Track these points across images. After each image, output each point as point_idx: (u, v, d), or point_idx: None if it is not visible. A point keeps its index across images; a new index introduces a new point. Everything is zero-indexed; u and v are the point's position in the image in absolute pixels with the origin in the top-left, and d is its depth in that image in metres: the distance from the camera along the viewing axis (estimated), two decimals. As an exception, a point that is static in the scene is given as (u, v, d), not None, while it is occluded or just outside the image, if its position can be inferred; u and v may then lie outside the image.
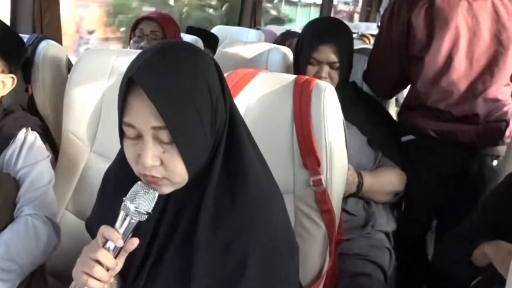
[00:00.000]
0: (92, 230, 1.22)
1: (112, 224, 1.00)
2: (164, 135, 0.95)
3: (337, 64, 1.90)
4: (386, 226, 2.01)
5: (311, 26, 2.03)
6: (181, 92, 0.94)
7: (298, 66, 1.99)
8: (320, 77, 1.87)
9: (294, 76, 1.57)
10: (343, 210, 1.83)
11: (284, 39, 3.32)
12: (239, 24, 4.28)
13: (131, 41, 2.41)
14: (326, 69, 1.90)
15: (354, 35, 4.60)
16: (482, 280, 1.41)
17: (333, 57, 1.89)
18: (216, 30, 3.71)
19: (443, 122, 1.98)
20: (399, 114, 2.18)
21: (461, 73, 1.94)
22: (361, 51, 2.90)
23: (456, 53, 1.93)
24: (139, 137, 0.97)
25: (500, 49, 1.92)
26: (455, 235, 1.57)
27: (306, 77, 1.56)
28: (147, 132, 0.95)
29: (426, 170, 2.02)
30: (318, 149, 1.46)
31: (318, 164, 1.46)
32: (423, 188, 2.03)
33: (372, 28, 6.42)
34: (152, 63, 0.94)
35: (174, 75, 0.94)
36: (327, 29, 1.95)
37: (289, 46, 2.75)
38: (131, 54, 1.71)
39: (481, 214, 1.54)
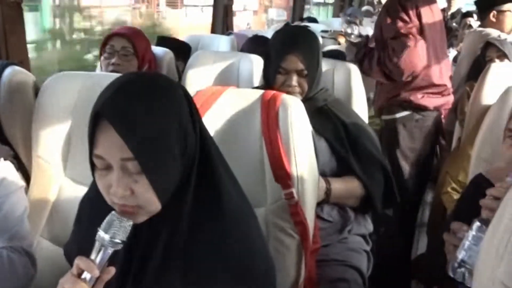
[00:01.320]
0: (70, 259, 1.23)
1: (88, 254, 1.02)
2: (134, 166, 0.97)
3: (305, 72, 1.92)
4: (363, 229, 2.05)
5: (277, 35, 2.06)
6: (148, 123, 0.97)
7: (268, 75, 2.01)
8: (289, 86, 1.91)
9: (261, 91, 1.60)
10: (319, 217, 1.87)
11: (252, 43, 3.33)
12: (212, 31, 4.29)
13: (102, 58, 2.39)
14: (294, 77, 1.92)
15: (326, 34, 4.60)
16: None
17: (301, 66, 1.92)
18: (188, 38, 3.72)
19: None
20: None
21: None
22: (333, 54, 2.95)
23: None
24: (109, 168, 1.00)
25: None
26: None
27: (273, 92, 1.59)
28: (116, 163, 0.98)
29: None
30: (288, 163, 1.49)
31: (289, 177, 1.49)
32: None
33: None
34: (118, 97, 0.97)
35: (140, 108, 0.97)
36: (294, 38, 1.99)
37: None
38: (99, 77, 1.74)
39: (451, 220, 1.57)
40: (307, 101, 1.91)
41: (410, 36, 2.62)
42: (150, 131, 0.97)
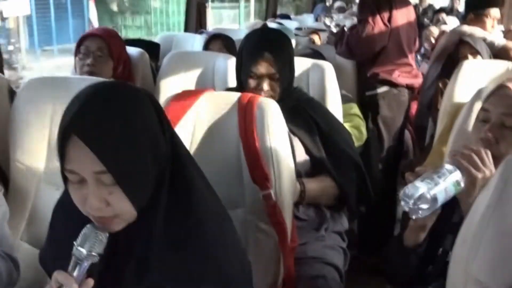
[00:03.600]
0: (46, 266, 1.26)
1: (64, 263, 1.05)
2: (107, 178, 0.99)
3: (277, 75, 1.95)
4: (339, 226, 2.11)
5: (248, 39, 2.07)
6: (118, 135, 0.98)
7: (240, 78, 2.04)
8: (261, 90, 1.93)
9: (238, 94, 1.65)
10: (295, 216, 1.92)
11: (211, 41, 3.34)
12: (185, 30, 4.31)
13: (77, 59, 2.40)
14: (266, 81, 1.94)
15: (300, 32, 4.63)
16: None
17: (272, 70, 1.94)
18: (161, 37, 3.75)
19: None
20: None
21: None
22: (310, 55, 3.01)
23: None
24: (82, 181, 1.01)
25: None
26: (398, 240, 1.66)
27: (250, 95, 1.64)
28: (90, 177, 0.99)
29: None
30: (265, 164, 1.55)
31: (267, 178, 1.55)
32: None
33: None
34: (86, 111, 0.98)
35: (109, 120, 0.98)
36: (265, 42, 2.00)
37: None
38: (73, 81, 1.76)
39: None
40: (280, 101, 1.93)
41: (370, 21, 3.12)
42: (121, 143, 0.99)
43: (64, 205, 1.19)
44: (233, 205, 1.24)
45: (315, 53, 3.14)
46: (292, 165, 1.66)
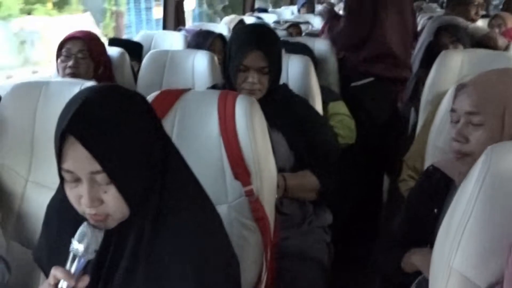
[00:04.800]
0: (41, 263, 1.31)
1: (60, 259, 1.10)
2: (102, 178, 1.05)
3: (266, 69, 1.98)
4: (323, 220, 2.15)
5: (239, 33, 2.12)
6: (113, 136, 1.04)
7: (227, 73, 2.07)
8: (250, 83, 1.97)
9: (218, 91, 1.69)
10: (278, 211, 1.96)
11: (198, 38, 3.39)
12: (164, 27, 4.33)
13: (58, 61, 2.46)
14: (255, 75, 1.97)
15: (278, 25, 4.64)
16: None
17: (262, 63, 1.97)
18: (140, 36, 3.77)
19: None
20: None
21: None
22: (298, 47, 3.05)
23: None
24: (78, 180, 1.07)
25: None
26: (385, 240, 1.70)
27: (228, 92, 1.67)
28: (85, 176, 1.05)
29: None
30: (246, 160, 1.59)
31: (248, 174, 1.59)
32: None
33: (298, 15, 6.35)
34: (83, 114, 1.03)
35: (105, 121, 1.04)
36: (255, 36, 2.04)
37: None
38: (56, 85, 1.80)
39: (404, 213, 1.67)
40: (266, 97, 1.99)
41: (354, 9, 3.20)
42: (116, 144, 1.04)
43: (58, 203, 1.24)
44: (216, 202, 1.27)
45: (304, 48, 3.15)
46: (273, 160, 1.69)
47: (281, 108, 2.06)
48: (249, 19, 5.02)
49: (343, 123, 2.78)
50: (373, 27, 3.18)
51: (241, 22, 4.58)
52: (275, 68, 2.02)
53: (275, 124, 1.95)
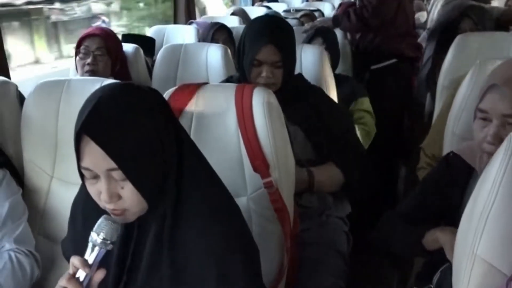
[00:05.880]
0: (67, 256, 1.36)
1: (83, 251, 1.15)
2: (118, 174, 1.09)
3: (280, 63, 1.99)
4: (341, 211, 2.17)
5: (251, 26, 2.11)
6: (127, 135, 1.08)
7: (241, 66, 2.08)
8: (264, 78, 1.98)
9: (234, 85, 1.71)
10: (298, 204, 1.99)
11: (210, 30, 3.43)
12: (174, 22, 4.35)
13: (77, 58, 2.53)
14: (269, 69, 1.99)
15: (288, 14, 4.62)
16: (429, 263, 1.56)
17: (276, 57, 1.98)
18: (152, 30, 3.80)
19: None
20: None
21: None
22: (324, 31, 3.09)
23: None
24: (97, 177, 1.11)
25: None
26: (396, 215, 1.70)
27: (245, 85, 1.70)
28: (102, 173, 1.10)
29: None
30: (265, 152, 1.62)
31: (267, 166, 1.62)
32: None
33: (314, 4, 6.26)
34: (97, 114, 1.08)
35: (119, 120, 1.08)
36: (269, 29, 2.04)
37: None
38: (77, 83, 1.86)
39: (420, 194, 1.68)
40: (281, 89, 2.00)
41: None
42: (130, 141, 1.08)
43: (82, 198, 1.30)
44: (236, 194, 1.31)
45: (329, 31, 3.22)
46: (291, 152, 1.73)
47: (297, 99, 2.07)
48: (258, 10, 5.01)
49: (364, 120, 2.83)
50: (397, 9, 3.34)
51: (244, 12, 4.59)
52: (288, 61, 2.04)
53: (291, 115, 1.97)
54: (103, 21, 5.34)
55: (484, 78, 1.59)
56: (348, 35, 3.79)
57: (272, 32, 2.02)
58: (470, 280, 1.02)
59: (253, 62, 1.99)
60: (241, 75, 2.11)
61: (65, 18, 5.17)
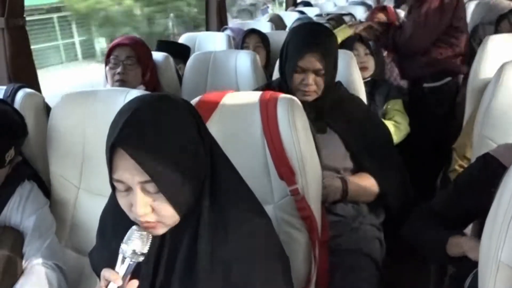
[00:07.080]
0: (96, 269, 1.38)
1: (113, 264, 1.17)
2: (151, 187, 1.10)
3: (323, 71, 2.00)
4: (375, 219, 2.15)
5: (295, 33, 2.12)
6: (160, 147, 1.09)
7: (283, 73, 2.10)
8: (306, 85, 2.00)
9: (259, 93, 1.72)
10: (332, 212, 2.00)
11: (241, 35, 3.46)
12: (206, 29, 4.39)
13: (107, 68, 2.56)
14: (311, 76, 2.00)
15: (320, 18, 4.61)
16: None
17: (318, 65, 1.99)
18: (184, 38, 3.84)
19: None
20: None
21: None
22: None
23: None
24: (129, 189, 1.13)
25: None
26: (427, 211, 1.69)
27: (270, 92, 1.71)
28: (135, 186, 1.11)
29: None
30: (290, 159, 1.62)
31: (293, 174, 1.62)
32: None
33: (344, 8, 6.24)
34: (130, 125, 1.09)
35: (152, 133, 1.09)
36: (311, 37, 2.05)
37: None
38: (102, 94, 1.87)
39: (453, 193, 1.66)
40: (322, 97, 2.02)
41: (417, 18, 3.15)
42: (163, 154, 1.09)
43: (112, 210, 1.31)
44: (262, 202, 1.31)
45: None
46: (317, 159, 1.73)
47: (337, 107, 2.08)
48: (291, 14, 5.02)
49: (396, 117, 2.84)
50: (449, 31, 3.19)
51: (279, 17, 4.60)
52: (330, 70, 2.04)
53: (331, 124, 1.98)
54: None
55: (508, 79, 1.56)
56: None
57: (316, 39, 2.04)
58: (495, 286, 1.01)
59: (295, 68, 2.01)
60: (282, 81, 2.12)
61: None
